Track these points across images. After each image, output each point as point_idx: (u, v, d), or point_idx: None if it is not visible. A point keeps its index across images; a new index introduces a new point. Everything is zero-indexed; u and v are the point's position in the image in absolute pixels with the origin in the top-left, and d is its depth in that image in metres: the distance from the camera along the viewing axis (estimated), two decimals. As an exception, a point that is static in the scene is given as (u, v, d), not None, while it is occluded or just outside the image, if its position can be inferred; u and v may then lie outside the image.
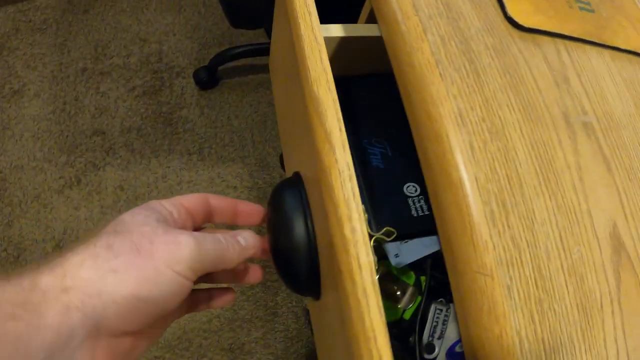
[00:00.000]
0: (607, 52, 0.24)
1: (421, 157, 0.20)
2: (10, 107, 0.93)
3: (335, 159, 0.18)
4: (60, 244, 0.81)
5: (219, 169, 0.84)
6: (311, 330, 0.72)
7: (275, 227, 0.24)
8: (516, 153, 0.19)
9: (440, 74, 0.19)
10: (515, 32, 0.22)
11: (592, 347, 0.16)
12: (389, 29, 0.22)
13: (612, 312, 0.17)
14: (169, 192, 0.82)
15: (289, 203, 0.24)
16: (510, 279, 0.17)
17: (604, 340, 0.17)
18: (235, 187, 0.83)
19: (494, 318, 0.17)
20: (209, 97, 0.92)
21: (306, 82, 0.20)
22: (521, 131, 0.19)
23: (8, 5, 1.06)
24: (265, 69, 0.96)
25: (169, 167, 0.85)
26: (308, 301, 0.34)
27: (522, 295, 0.17)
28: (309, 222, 0.22)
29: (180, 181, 0.83)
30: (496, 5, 0.23)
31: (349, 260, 0.17)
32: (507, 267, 0.17)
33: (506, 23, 0.23)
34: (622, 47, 0.24)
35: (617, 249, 0.18)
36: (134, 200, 0.82)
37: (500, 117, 0.19)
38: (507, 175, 0.18)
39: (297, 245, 0.22)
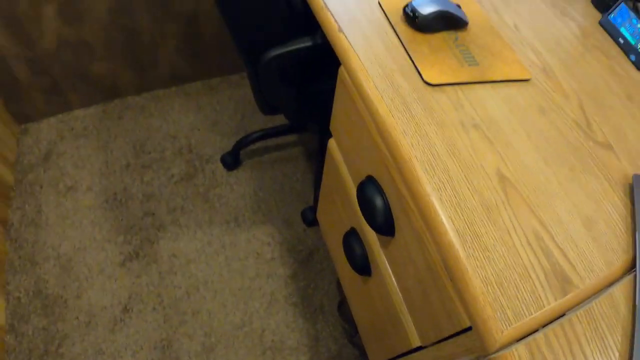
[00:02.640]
0: (488, 85, 0.69)
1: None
2: (66, 200, 1.35)
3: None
4: (127, 307, 1.17)
5: (253, 231, 1.30)
6: (352, 343, 1.11)
7: (367, 202, 0.67)
8: (435, 146, 0.63)
9: (393, 116, 0.66)
10: (429, 88, 0.67)
11: (495, 223, 0.61)
12: (362, 95, 0.70)
13: (505, 208, 0.62)
14: (215, 254, 1.24)
15: (371, 190, 0.69)
16: (441, 194, 0.63)
17: (502, 219, 0.61)
18: (268, 243, 1.28)
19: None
20: (236, 176, 1.42)
21: (377, 116, 0.68)
22: (436, 133, 0.62)
23: (50, 117, 1.54)
24: (277, 147, 1.50)
25: (212, 234, 1.29)
26: (382, 242, 0.77)
27: (451, 203, 0.61)
28: (384, 198, 0.68)
29: (223, 244, 1.26)
30: (417, 75, 0.71)
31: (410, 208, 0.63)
32: (439, 191, 0.62)
33: (423, 84, 0.70)
34: (498, 79, 0.70)
35: (501, 178, 0.63)
36: (187, 264, 1.23)
37: (425, 130, 0.65)
38: (431, 155, 0.65)
39: (380, 209, 0.67)
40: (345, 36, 0.62)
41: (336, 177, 0.81)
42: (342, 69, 0.64)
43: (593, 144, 0.57)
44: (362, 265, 0.74)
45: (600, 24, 0.84)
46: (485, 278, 0.43)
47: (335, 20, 0.65)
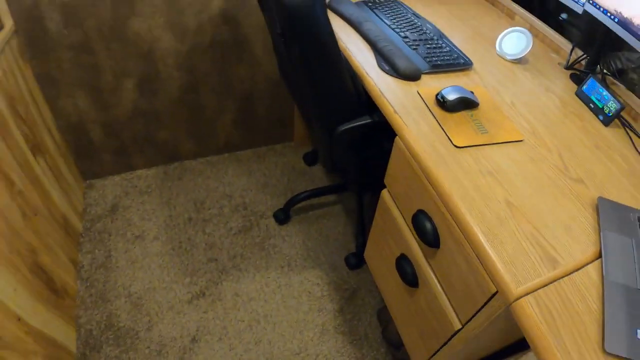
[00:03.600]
0: (495, 146, 1.06)
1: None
2: (135, 247, 1.70)
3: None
4: (195, 338, 1.48)
5: (304, 274, 1.65)
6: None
7: (421, 226, 1.03)
8: (465, 186, 1.01)
9: (437, 168, 1.03)
10: (457, 149, 1.04)
11: (506, 227, 0.97)
12: (415, 157, 1.08)
13: (511, 220, 0.97)
14: (273, 293, 1.58)
15: (422, 218, 1.05)
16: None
17: (510, 226, 0.97)
18: (318, 284, 1.62)
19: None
20: (287, 229, 1.79)
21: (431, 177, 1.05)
22: (464, 178, 1.01)
23: (114, 175, 1.95)
24: (320, 206, 1.90)
25: (269, 277, 1.63)
26: (430, 254, 1.12)
27: (478, 218, 0.97)
28: (432, 222, 1.04)
29: (279, 285, 1.61)
30: (449, 141, 1.07)
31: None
32: (470, 212, 0.98)
33: (453, 147, 1.06)
34: (501, 141, 1.08)
35: (508, 203, 0.95)
36: (248, 301, 1.56)
37: (458, 177, 1.02)
38: (464, 191, 1.01)
39: (430, 229, 1.02)
40: (400, 117, 1.03)
41: (388, 218, 1.18)
42: (397, 139, 1.05)
43: (569, 180, 0.96)
44: (412, 280, 1.10)
45: (576, 94, 1.27)
46: (503, 259, 0.79)
47: (391, 105, 1.07)
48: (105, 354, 1.42)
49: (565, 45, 1.46)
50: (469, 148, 1.00)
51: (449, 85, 1.11)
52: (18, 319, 1.13)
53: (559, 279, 0.78)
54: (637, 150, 1.09)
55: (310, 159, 2.11)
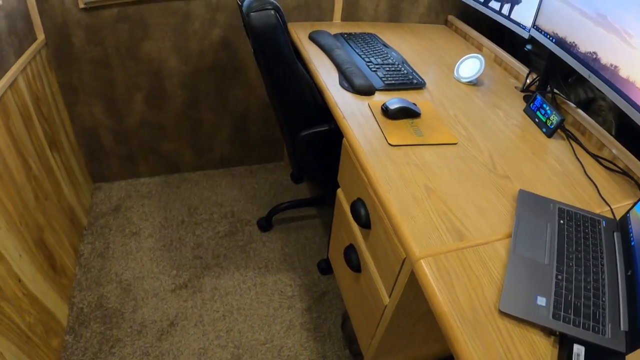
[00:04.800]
0: (428, 146, 1.20)
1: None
2: (131, 242, 1.92)
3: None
4: (173, 322, 1.66)
5: (279, 275, 1.82)
6: (352, 353, 1.55)
7: (356, 211, 1.21)
8: (391, 174, 1.18)
9: (370, 160, 1.21)
10: (391, 147, 1.20)
11: (420, 206, 1.14)
12: (355, 153, 1.27)
13: (426, 200, 1.14)
14: (248, 290, 1.75)
15: (358, 205, 1.23)
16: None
17: (424, 205, 1.14)
18: (290, 285, 1.79)
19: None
20: (268, 236, 1.99)
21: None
22: (392, 168, 1.19)
23: (120, 181, 2.20)
24: (301, 218, 2.10)
25: (246, 275, 1.82)
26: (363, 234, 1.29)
27: (396, 199, 1.14)
28: (365, 207, 1.21)
29: (255, 283, 1.78)
30: (385, 140, 1.24)
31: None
32: (390, 194, 1.15)
33: (387, 144, 1.22)
34: (435, 143, 1.24)
35: (426, 187, 1.14)
36: (225, 295, 1.74)
37: (387, 167, 1.20)
38: (389, 178, 1.18)
39: (363, 214, 1.20)
40: (347, 122, 1.24)
41: (341, 213, 1.37)
42: (344, 140, 1.25)
43: (495, 176, 1.13)
44: (356, 265, 1.27)
45: (524, 111, 1.46)
46: (412, 230, 0.96)
47: (342, 113, 1.28)
48: (91, 329, 1.61)
49: (524, 71, 1.65)
50: (402, 147, 1.19)
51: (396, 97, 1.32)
52: (19, 279, 1.34)
53: (462, 249, 0.92)
54: (577, 158, 1.24)
55: (296, 177, 2.33)
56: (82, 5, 1.67)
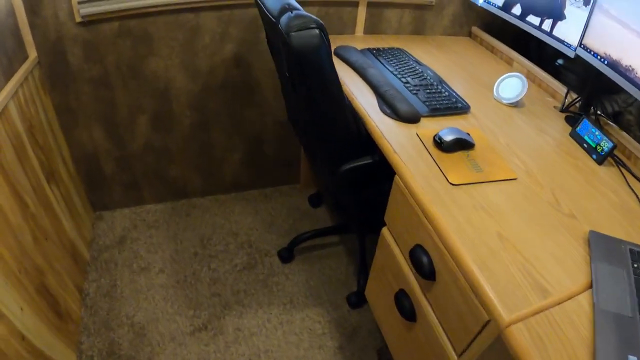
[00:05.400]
0: (490, 184, 1.12)
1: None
2: (140, 279, 1.77)
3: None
4: None
5: (306, 311, 1.70)
6: None
7: (418, 260, 1.10)
8: (460, 221, 1.09)
9: (434, 204, 1.10)
10: (453, 187, 1.12)
11: (498, 259, 1.04)
12: (412, 194, 1.16)
13: (503, 252, 1.04)
14: (274, 329, 1.63)
15: (419, 253, 1.11)
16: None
17: (502, 258, 1.03)
18: (319, 321, 1.67)
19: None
20: (290, 267, 1.87)
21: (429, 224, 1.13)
22: (459, 214, 1.09)
23: (123, 208, 2.05)
24: (323, 246, 1.98)
25: (271, 313, 1.69)
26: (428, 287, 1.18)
27: (472, 251, 1.04)
28: (429, 256, 1.10)
29: (281, 322, 1.66)
30: (445, 179, 1.15)
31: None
32: (465, 245, 1.05)
33: (449, 184, 1.14)
34: (495, 179, 1.14)
35: (499, 236, 1.05)
36: (250, 336, 1.61)
37: (453, 213, 1.10)
38: (458, 225, 1.09)
39: (426, 263, 1.09)
40: (399, 156, 1.13)
41: (388, 255, 1.26)
42: (397, 177, 1.14)
43: (561, 215, 1.04)
44: (410, 314, 1.15)
45: (570, 135, 1.37)
46: (495, 289, 0.86)
47: (391, 145, 1.16)
48: (105, 381, 1.47)
49: (560, 89, 1.57)
50: (464, 185, 1.08)
51: (447, 127, 1.21)
52: (22, 337, 1.20)
53: (549, 307, 0.84)
54: (629, 187, 1.17)
55: (315, 201, 2.21)
56: (78, 19, 1.52)
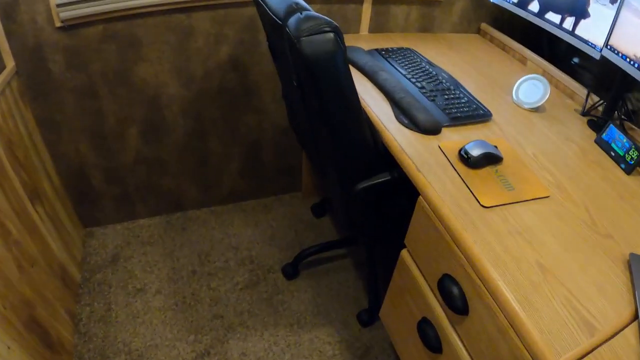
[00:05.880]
0: (523, 203, 1.03)
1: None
2: (136, 301, 1.66)
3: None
4: None
5: (315, 332, 1.60)
6: None
7: (448, 292, 1.00)
8: (496, 249, 1.00)
9: (466, 231, 1.02)
10: (484, 209, 1.03)
11: (540, 293, 0.95)
12: (440, 218, 1.06)
13: (545, 284, 0.96)
14: (282, 352, 1.53)
15: (449, 283, 1.01)
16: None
17: (544, 291, 0.95)
18: (329, 342, 1.58)
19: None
20: (295, 284, 1.76)
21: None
22: (495, 240, 1.01)
23: (115, 224, 1.93)
24: (329, 259, 1.87)
25: (277, 335, 1.59)
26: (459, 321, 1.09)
27: (511, 285, 0.95)
28: (460, 287, 1.00)
29: (289, 344, 1.56)
30: (475, 200, 1.06)
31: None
32: (503, 278, 0.96)
33: (480, 206, 1.05)
34: (528, 198, 1.06)
35: (539, 266, 0.98)
36: None
37: (488, 239, 1.01)
38: (495, 255, 1.00)
39: (458, 295, 1.00)
40: (423, 175, 1.03)
41: (408, 279, 1.16)
42: (421, 199, 1.03)
43: (598, 236, 0.95)
44: (436, 345, 1.06)
45: (595, 142, 1.29)
46: (540, 328, 0.77)
47: (413, 162, 1.06)
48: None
49: (579, 90, 1.48)
50: (496, 207, 0.99)
51: (472, 140, 1.11)
52: (11, 383, 1.09)
53: (597, 346, 0.76)
54: None
55: (318, 211, 2.10)
56: (58, 24, 1.39)
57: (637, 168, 1.18)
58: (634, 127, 1.33)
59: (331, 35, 0.93)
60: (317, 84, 1.00)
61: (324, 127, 1.10)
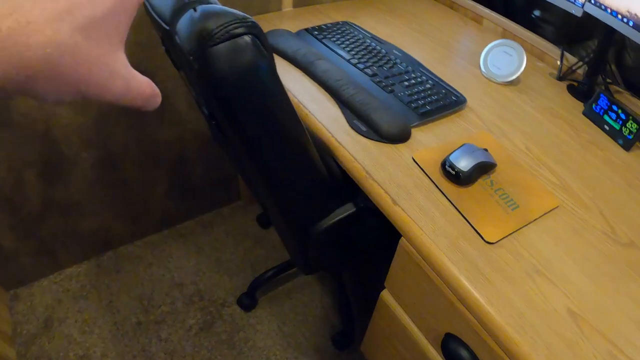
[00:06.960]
0: (532, 225, 0.79)
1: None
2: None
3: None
4: None
5: (290, 370, 1.32)
6: None
7: (455, 356, 0.75)
8: (516, 305, 0.75)
9: (475, 287, 0.76)
10: (490, 246, 0.78)
11: (579, 356, 0.71)
12: (436, 269, 0.80)
13: (583, 341, 0.72)
14: (257, 405, 1.25)
15: (455, 346, 0.76)
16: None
17: (584, 351, 0.71)
18: (308, 379, 1.30)
19: None
20: (256, 315, 1.47)
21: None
22: (512, 291, 0.75)
23: (40, 279, 1.54)
24: (288, 277, 1.58)
25: (248, 382, 1.30)
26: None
27: (545, 355, 0.71)
28: (470, 350, 0.75)
29: (263, 391, 1.28)
30: (477, 236, 0.81)
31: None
32: (533, 346, 0.72)
33: (484, 243, 0.80)
34: (537, 216, 0.82)
35: (572, 314, 0.74)
36: None
37: (503, 291, 0.75)
38: (516, 314, 0.75)
39: None
40: (402, 209, 0.73)
41: (398, 327, 0.88)
42: (403, 240, 0.75)
43: (621, 247, 0.74)
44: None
45: (584, 114, 1.05)
46: None
47: (385, 190, 0.76)
48: None
49: (550, 49, 1.23)
50: (503, 240, 0.72)
51: (452, 144, 0.82)
52: None
53: None
54: None
55: (264, 221, 1.78)
56: None
57: (637, 142, 0.96)
58: (620, 90, 1.09)
59: (247, 39, 0.58)
60: (235, 116, 0.67)
61: (256, 173, 0.77)
